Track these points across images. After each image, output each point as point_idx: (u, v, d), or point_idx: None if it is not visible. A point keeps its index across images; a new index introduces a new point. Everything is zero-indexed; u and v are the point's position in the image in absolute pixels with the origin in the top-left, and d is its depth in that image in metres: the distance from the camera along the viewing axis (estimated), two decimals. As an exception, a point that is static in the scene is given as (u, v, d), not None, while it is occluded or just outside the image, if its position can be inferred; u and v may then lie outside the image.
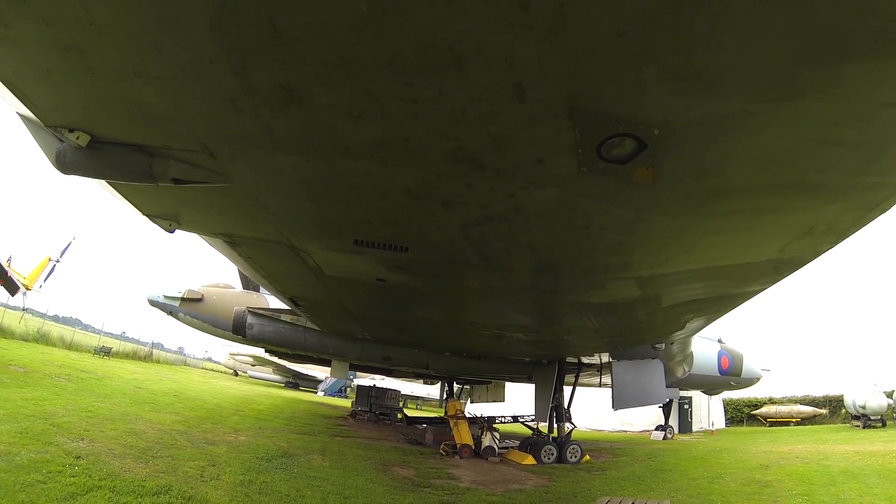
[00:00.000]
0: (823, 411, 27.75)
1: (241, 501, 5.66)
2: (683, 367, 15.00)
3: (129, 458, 6.50)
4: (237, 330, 11.94)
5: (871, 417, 21.51)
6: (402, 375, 21.49)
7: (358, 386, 23.06)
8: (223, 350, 45.50)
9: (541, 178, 3.13)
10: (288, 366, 33.39)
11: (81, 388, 11.75)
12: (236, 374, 44.08)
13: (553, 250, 4.45)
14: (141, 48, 2.25)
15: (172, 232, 5.04)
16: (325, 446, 10.53)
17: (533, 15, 1.82)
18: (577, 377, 13.71)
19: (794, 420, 27.12)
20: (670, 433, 20.01)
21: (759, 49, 1.97)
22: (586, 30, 1.89)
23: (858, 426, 21.87)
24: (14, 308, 26.74)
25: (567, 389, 13.46)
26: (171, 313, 13.45)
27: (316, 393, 36.88)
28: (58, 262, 29.02)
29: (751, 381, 19.25)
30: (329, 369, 15.18)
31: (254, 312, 11.84)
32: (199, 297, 13.11)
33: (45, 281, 28.28)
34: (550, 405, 12.42)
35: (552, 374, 12.35)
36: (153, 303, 13.60)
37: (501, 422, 16.94)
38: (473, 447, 12.23)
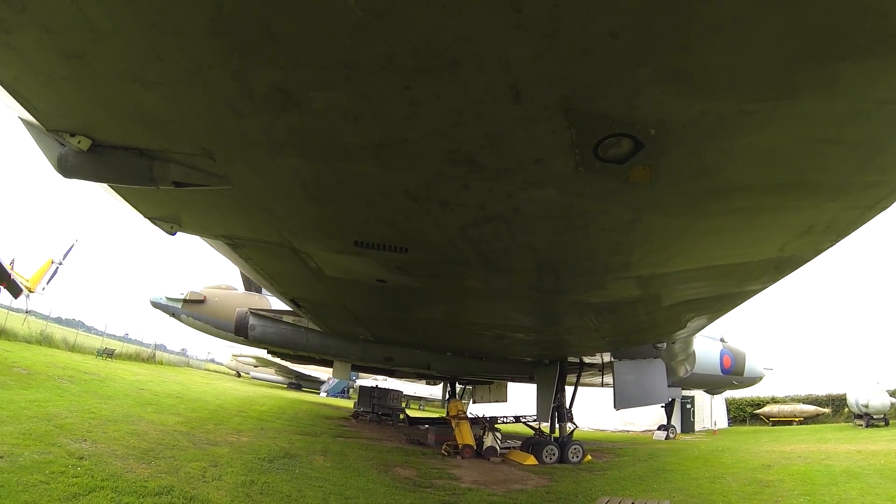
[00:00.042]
0: (826, 410, 27.61)
1: (243, 502, 5.68)
2: (685, 367, 14.98)
3: (131, 458, 6.53)
4: (239, 331, 11.98)
5: (874, 416, 21.40)
6: (404, 376, 21.55)
7: (360, 387, 23.07)
8: (226, 351, 45.65)
9: (538, 179, 3.14)
10: (290, 367, 33.48)
11: (84, 390, 11.79)
12: (239, 376, 44.18)
13: (552, 250, 4.46)
14: (140, 54, 2.27)
15: (174, 234, 5.07)
16: (327, 447, 10.55)
17: (526, 17, 1.83)
18: (578, 377, 13.71)
19: (796, 419, 27.01)
20: (673, 433, 19.97)
21: (753, 49, 1.98)
22: (580, 31, 1.91)
23: (861, 425, 21.77)
24: (17, 310, 26.82)
25: (569, 389, 13.45)
26: (173, 315, 13.50)
27: (318, 394, 36.95)
28: (60, 264, 29.08)
29: (753, 381, 19.22)
30: (331, 370, 15.21)
31: (256, 314, 11.88)
32: (202, 298, 13.16)
33: (48, 283, 28.34)
34: (552, 405, 12.42)
35: (554, 374, 12.35)
36: (156, 304, 13.66)
37: (503, 422, 16.93)
38: (475, 447, 12.23)
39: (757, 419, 29.11)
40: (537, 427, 14.32)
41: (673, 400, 19.06)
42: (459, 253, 4.66)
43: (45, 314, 32.15)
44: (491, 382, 18.96)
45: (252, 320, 11.79)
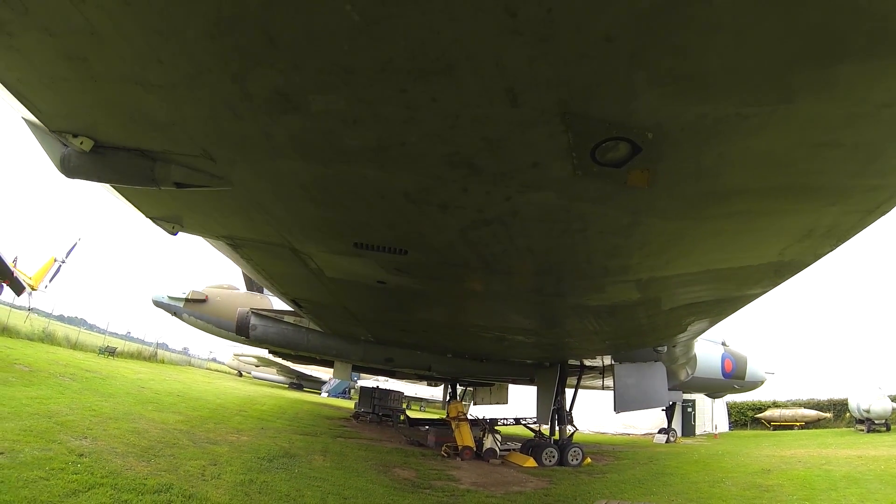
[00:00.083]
0: (827, 415, 27.49)
1: (241, 500, 5.70)
2: (686, 370, 14.94)
3: (131, 456, 6.56)
4: (241, 331, 12.02)
5: (876, 421, 21.31)
6: (405, 377, 21.56)
7: (361, 387, 23.09)
8: (227, 351, 45.80)
9: (536, 182, 3.15)
10: (292, 367, 33.55)
11: (85, 388, 11.85)
12: (240, 375, 44.27)
13: (551, 253, 4.46)
14: (141, 57, 2.30)
15: (175, 234, 5.10)
16: (327, 447, 10.56)
17: (521, 21, 1.84)
18: (579, 380, 13.68)
19: (798, 424, 26.90)
20: (673, 436, 19.93)
21: (750, 52, 1.97)
22: (575, 35, 1.91)
23: (862, 430, 21.67)
24: (20, 308, 26.98)
25: (569, 392, 13.43)
26: (175, 314, 13.54)
27: (320, 394, 36.98)
28: (63, 262, 29.23)
29: (755, 385, 19.13)
30: (332, 370, 15.22)
31: (257, 313, 11.91)
32: (204, 298, 13.20)
33: (50, 281, 28.48)
34: (552, 407, 12.41)
35: (554, 376, 12.34)
36: (158, 303, 13.70)
37: (503, 424, 16.91)
38: (475, 449, 12.22)
39: (758, 423, 29.02)
40: (537, 429, 14.31)
41: (674, 403, 19.04)
42: (459, 255, 4.68)
43: (47, 312, 32.30)
44: (492, 384, 18.95)
45: (253, 320, 11.83)
